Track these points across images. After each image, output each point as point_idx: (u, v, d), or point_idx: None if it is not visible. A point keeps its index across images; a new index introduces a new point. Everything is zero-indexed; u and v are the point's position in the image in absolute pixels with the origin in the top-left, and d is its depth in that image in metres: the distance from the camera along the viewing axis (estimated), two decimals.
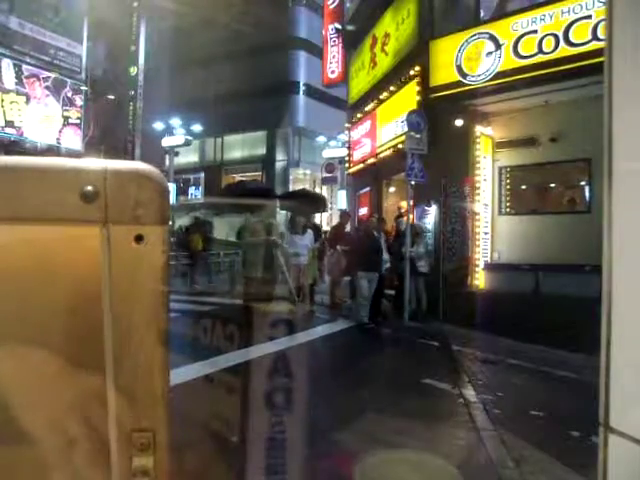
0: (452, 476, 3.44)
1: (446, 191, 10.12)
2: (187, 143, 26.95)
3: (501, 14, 9.71)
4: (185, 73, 32.99)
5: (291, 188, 33.14)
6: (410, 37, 11.66)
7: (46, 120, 18.99)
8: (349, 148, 16.71)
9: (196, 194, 36.41)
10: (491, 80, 9.22)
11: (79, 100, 20.12)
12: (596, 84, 6.20)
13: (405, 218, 10.16)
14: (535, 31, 8.63)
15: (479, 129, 10.10)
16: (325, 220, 32.70)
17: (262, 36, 30.62)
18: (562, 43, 8.29)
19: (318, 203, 9.79)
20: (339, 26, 18.49)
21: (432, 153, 9.88)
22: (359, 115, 15.24)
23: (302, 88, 33.01)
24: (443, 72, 10.02)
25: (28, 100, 18.42)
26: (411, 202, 9.82)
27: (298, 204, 9.93)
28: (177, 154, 27.79)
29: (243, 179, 30.36)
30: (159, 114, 26.79)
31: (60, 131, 19.53)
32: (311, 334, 8.01)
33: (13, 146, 17.76)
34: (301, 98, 33.13)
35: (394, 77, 12.32)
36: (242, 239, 9.18)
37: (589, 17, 7.94)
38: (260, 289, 7.94)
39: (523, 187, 10.54)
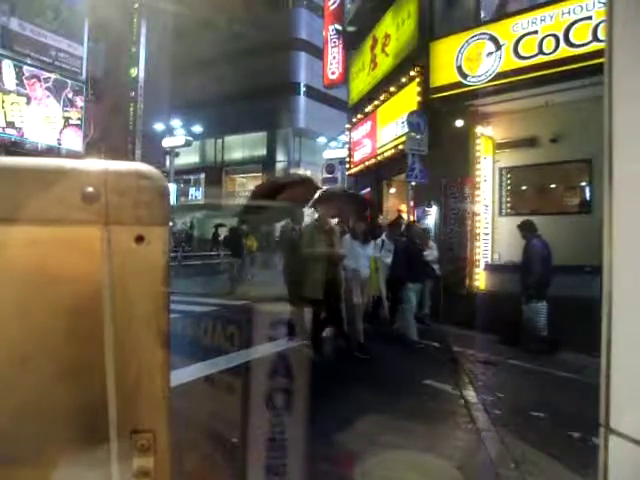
0: (453, 477, 3.44)
1: (446, 192, 10.11)
2: (187, 144, 26.97)
3: (501, 15, 9.70)
4: (186, 74, 33.02)
5: None
6: (410, 38, 11.67)
7: (47, 121, 19.01)
8: (349, 149, 16.71)
9: (196, 195, 36.42)
10: (491, 81, 9.22)
11: (80, 101, 20.15)
12: (596, 85, 6.20)
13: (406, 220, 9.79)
14: (535, 32, 8.63)
15: (479, 130, 10.09)
16: None
17: (263, 37, 30.67)
18: (562, 44, 8.29)
19: (362, 203, 8.63)
20: (339, 27, 18.50)
21: (432, 154, 9.88)
22: (359, 116, 15.24)
23: (302, 89, 33.04)
24: (443, 73, 10.02)
25: (29, 101, 18.44)
26: (412, 203, 9.81)
27: (342, 205, 8.10)
28: (177, 155, 27.81)
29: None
30: (160, 115, 26.81)
31: (61, 132, 19.55)
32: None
33: (14, 147, 17.77)
34: (302, 99, 33.16)
35: (394, 78, 12.32)
36: (289, 250, 7.24)
37: (589, 18, 7.93)
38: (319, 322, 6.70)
39: (523, 188, 10.52)
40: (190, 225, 27.55)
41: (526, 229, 7.67)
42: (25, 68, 18.24)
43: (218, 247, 19.59)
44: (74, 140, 19.96)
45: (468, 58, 9.52)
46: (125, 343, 0.67)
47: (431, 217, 10.72)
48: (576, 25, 8.13)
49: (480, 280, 9.61)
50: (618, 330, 0.85)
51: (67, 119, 19.72)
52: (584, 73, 7.55)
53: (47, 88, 18.98)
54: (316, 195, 7.81)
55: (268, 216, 8.76)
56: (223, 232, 17.93)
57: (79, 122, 20.13)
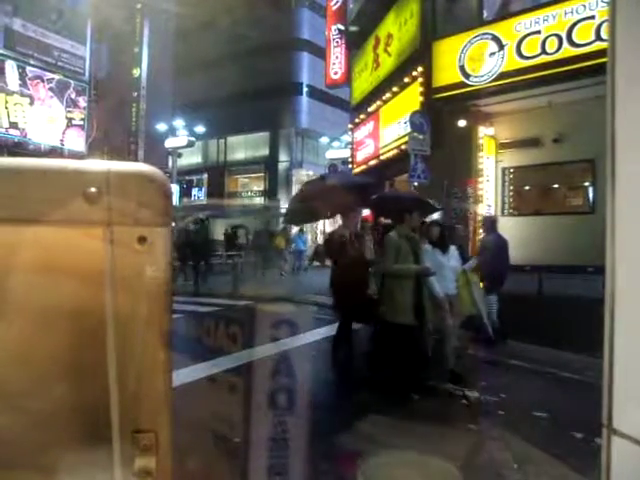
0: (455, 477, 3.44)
1: (449, 192, 10.11)
2: (190, 144, 26.97)
3: (504, 15, 9.69)
4: (188, 74, 33.05)
5: (294, 189, 33.18)
6: (413, 38, 11.66)
7: (50, 121, 19.06)
8: (352, 149, 16.72)
9: (199, 195, 36.44)
10: (494, 81, 9.21)
11: (82, 101, 20.20)
12: (599, 85, 6.19)
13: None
14: (538, 32, 8.62)
15: (482, 130, 10.09)
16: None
17: (265, 37, 30.68)
18: (565, 44, 8.28)
19: (427, 206, 7.48)
20: (342, 27, 18.51)
21: (435, 154, 9.87)
22: (362, 116, 15.24)
23: (305, 89, 33.03)
24: (446, 73, 10.02)
25: (32, 102, 18.49)
26: None
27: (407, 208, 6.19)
28: (180, 155, 27.82)
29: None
30: (162, 115, 26.83)
31: (64, 132, 19.60)
32: None
33: (17, 148, 17.82)
34: (304, 99, 33.16)
35: (397, 78, 12.31)
36: (345, 261, 6.09)
37: (592, 17, 7.93)
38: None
39: (526, 188, 10.52)
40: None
41: (487, 226, 7.79)
42: (28, 69, 18.29)
43: (235, 249, 19.49)
44: (77, 141, 20.01)
45: (471, 58, 9.51)
46: (127, 343, 0.67)
47: (433, 217, 10.69)
48: (579, 25, 8.12)
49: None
50: (620, 330, 0.85)
51: (70, 119, 19.76)
52: (587, 73, 7.54)
53: (50, 89, 19.03)
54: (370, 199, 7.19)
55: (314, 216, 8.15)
56: (242, 234, 18.16)
57: (82, 122, 20.18)
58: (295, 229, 20.78)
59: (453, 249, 6.02)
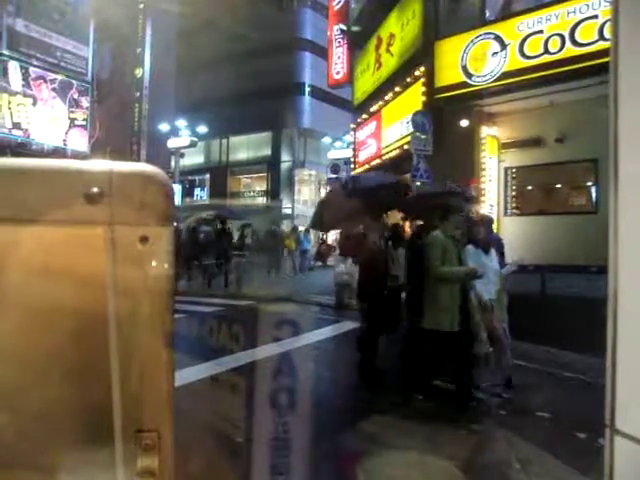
0: (456, 477, 3.44)
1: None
2: (193, 144, 27.00)
3: (507, 14, 9.68)
4: (191, 75, 33.09)
5: (296, 189, 33.21)
6: (415, 38, 11.65)
7: (52, 122, 19.09)
8: (354, 149, 16.72)
9: (201, 195, 36.47)
10: (496, 81, 9.19)
11: (85, 102, 20.23)
12: (602, 84, 6.17)
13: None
14: (541, 31, 8.60)
15: (484, 130, 10.07)
16: None
17: (267, 37, 30.68)
18: (568, 43, 8.26)
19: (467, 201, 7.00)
20: (344, 27, 18.51)
21: (437, 154, 9.86)
22: (364, 116, 15.24)
23: (307, 89, 33.04)
24: (448, 73, 10.00)
25: (35, 102, 18.53)
26: None
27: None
28: (182, 155, 27.84)
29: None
30: (165, 115, 26.85)
31: (66, 133, 19.63)
32: None
33: (20, 148, 17.86)
34: (306, 99, 33.16)
35: (399, 78, 12.30)
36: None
37: (595, 17, 7.90)
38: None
39: (529, 188, 10.50)
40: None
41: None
42: (31, 69, 18.33)
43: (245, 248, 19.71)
44: (79, 141, 20.04)
45: (473, 58, 9.50)
46: (129, 343, 0.67)
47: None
48: (582, 24, 8.10)
49: None
50: (623, 330, 0.85)
51: (73, 120, 19.80)
52: (590, 72, 7.52)
53: (53, 89, 19.07)
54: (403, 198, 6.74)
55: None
56: (248, 233, 18.34)
57: (84, 123, 20.21)
58: (301, 228, 20.90)
59: (492, 250, 5.55)
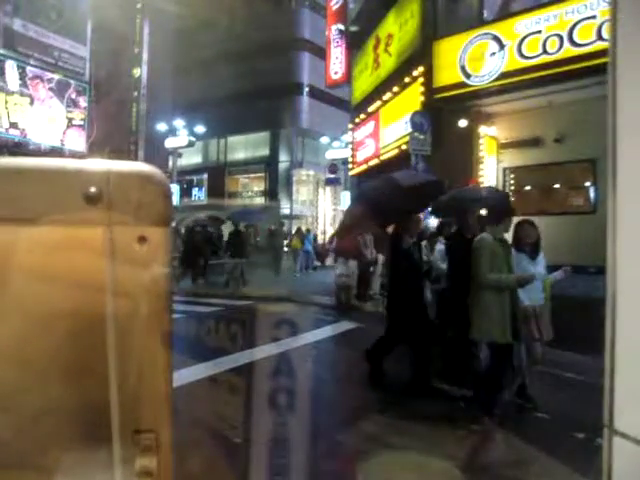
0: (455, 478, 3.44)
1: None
2: (190, 144, 26.97)
3: (505, 14, 9.69)
4: (189, 74, 33.06)
5: (294, 189, 33.21)
6: (413, 38, 11.66)
7: (50, 121, 19.07)
8: (352, 149, 16.72)
9: (199, 195, 36.45)
10: (495, 81, 9.20)
11: (83, 101, 20.20)
12: (600, 84, 6.18)
13: None
14: (539, 31, 8.61)
15: (483, 130, 10.08)
16: (328, 221, 32.77)
17: (265, 37, 30.68)
18: (566, 43, 8.27)
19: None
20: (342, 27, 18.53)
21: (436, 154, 9.87)
22: (362, 116, 15.25)
23: (305, 89, 33.02)
24: (447, 73, 10.01)
25: (32, 102, 18.50)
26: None
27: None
28: (180, 155, 27.82)
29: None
30: (162, 115, 26.83)
31: (64, 133, 19.61)
32: None
33: (17, 148, 17.83)
34: (304, 99, 33.15)
35: (397, 78, 12.31)
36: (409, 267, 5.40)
37: (594, 17, 7.92)
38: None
39: (527, 188, 10.51)
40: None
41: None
42: (28, 69, 18.30)
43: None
44: (77, 140, 20.01)
45: (471, 58, 9.51)
46: (127, 343, 0.67)
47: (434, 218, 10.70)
48: (580, 24, 8.11)
49: None
50: (622, 330, 0.85)
51: (70, 120, 19.77)
52: (588, 73, 7.53)
53: (50, 89, 19.04)
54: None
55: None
56: (251, 233, 18.61)
57: (82, 122, 20.18)
58: (303, 228, 21.01)
59: (542, 254, 5.15)
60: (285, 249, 19.56)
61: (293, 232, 19.96)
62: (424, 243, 7.60)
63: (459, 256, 5.18)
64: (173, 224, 21.54)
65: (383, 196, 5.62)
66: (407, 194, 5.43)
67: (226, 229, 17.71)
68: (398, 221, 5.59)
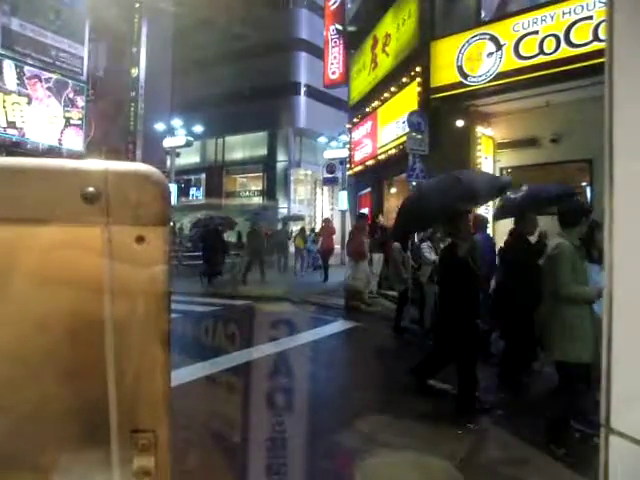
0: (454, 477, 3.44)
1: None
2: (188, 144, 26.94)
3: (502, 15, 9.70)
4: (187, 74, 33.04)
5: (292, 189, 33.20)
6: (411, 38, 11.67)
7: (48, 121, 19.02)
8: (350, 149, 16.73)
9: (197, 195, 36.42)
10: (492, 81, 9.22)
11: (80, 101, 20.15)
12: (597, 85, 6.20)
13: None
14: (536, 32, 8.63)
15: (480, 130, 10.10)
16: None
17: (263, 37, 30.68)
18: (563, 44, 8.29)
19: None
20: (340, 27, 18.53)
21: (433, 154, 9.88)
22: (360, 116, 15.25)
23: (303, 89, 33.02)
24: (444, 73, 10.02)
25: (30, 101, 18.44)
26: None
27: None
28: (178, 155, 27.78)
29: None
30: (160, 115, 26.81)
31: (62, 132, 19.56)
32: None
33: (15, 147, 17.79)
34: (302, 99, 33.14)
35: (395, 78, 12.33)
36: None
37: (590, 18, 7.93)
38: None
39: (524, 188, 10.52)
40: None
41: (478, 225, 7.27)
42: (26, 68, 18.25)
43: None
44: (75, 140, 19.97)
45: (469, 58, 9.52)
46: (125, 343, 0.67)
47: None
48: (577, 25, 8.13)
49: None
50: (618, 329, 0.85)
51: (68, 119, 19.72)
52: (585, 73, 7.55)
53: (48, 88, 18.99)
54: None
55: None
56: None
57: (80, 122, 20.13)
58: (306, 228, 21.06)
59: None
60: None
61: (294, 232, 19.90)
62: (427, 243, 7.65)
63: (520, 261, 4.90)
64: (187, 224, 21.52)
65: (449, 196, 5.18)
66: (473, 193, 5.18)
67: (233, 231, 18.11)
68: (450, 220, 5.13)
